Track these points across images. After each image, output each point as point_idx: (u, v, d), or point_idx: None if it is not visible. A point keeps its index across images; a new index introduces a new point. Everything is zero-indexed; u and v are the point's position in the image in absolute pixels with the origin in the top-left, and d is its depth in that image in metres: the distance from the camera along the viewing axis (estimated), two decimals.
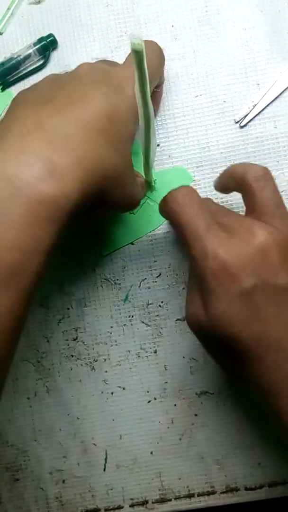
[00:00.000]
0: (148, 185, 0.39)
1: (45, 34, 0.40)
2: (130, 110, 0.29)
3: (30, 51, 0.39)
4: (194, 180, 0.39)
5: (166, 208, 0.30)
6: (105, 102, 0.28)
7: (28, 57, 0.40)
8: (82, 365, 0.40)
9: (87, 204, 0.28)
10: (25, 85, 0.40)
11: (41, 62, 0.40)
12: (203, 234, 0.28)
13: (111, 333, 0.40)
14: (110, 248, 0.39)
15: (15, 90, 0.40)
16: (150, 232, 0.39)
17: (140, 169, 0.37)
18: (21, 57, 0.39)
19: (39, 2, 0.40)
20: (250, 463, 0.40)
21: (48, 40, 0.39)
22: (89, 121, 0.27)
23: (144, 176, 0.37)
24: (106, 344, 0.40)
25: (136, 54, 0.24)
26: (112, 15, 0.40)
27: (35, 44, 0.40)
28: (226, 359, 0.30)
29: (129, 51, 0.40)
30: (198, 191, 0.39)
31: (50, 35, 0.40)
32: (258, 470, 0.40)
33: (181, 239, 0.30)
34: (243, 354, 0.28)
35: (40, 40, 0.40)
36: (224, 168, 0.39)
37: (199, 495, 0.40)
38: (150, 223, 0.40)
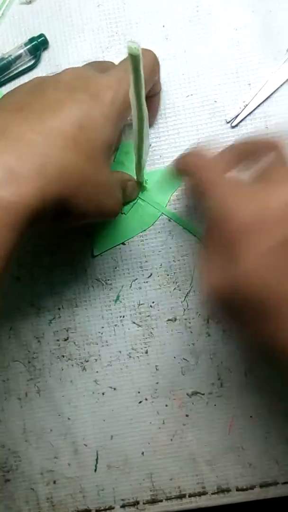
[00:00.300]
0: (140, 186, 0.39)
1: (36, 34, 0.40)
2: (107, 117, 0.29)
3: (21, 51, 0.39)
4: (180, 183, 0.39)
5: (187, 162, 0.31)
6: (77, 109, 0.28)
7: (19, 57, 0.40)
8: (73, 365, 0.40)
9: (50, 212, 0.28)
10: (16, 85, 0.40)
11: (32, 62, 0.40)
12: (229, 186, 0.28)
13: (102, 333, 0.40)
14: (101, 248, 0.39)
15: (5, 90, 0.40)
16: (142, 232, 0.39)
17: (131, 169, 0.37)
18: (12, 57, 0.39)
19: (30, 2, 0.40)
20: (241, 463, 0.39)
21: (39, 40, 0.39)
22: (57, 129, 0.27)
23: (135, 177, 0.37)
24: (97, 344, 0.40)
25: (133, 59, 0.24)
26: (103, 15, 0.40)
27: (26, 44, 0.39)
28: (256, 323, 0.27)
29: (120, 51, 0.40)
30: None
31: (41, 35, 0.40)
32: (249, 471, 0.39)
33: (200, 196, 0.29)
34: (276, 314, 0.26)
35: (31, 40, 0.39)
36: None
37: (190, 495, 0.40)
38: (142, 223, 0.39)
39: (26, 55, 0.39)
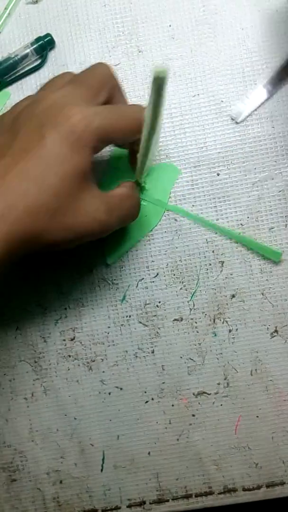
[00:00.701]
0: (139, 186, 0.39)
1: (42, 34, 0.40)
2: (76, 149, 0.30)
3: (28, 50, 0.39)
4: (181, 173, 0.39)
5: None
6: (43, 148, 0.29)
7: (25, 56, 0.39)
8: (79, 365, 0.40)
9: (25, 249, 0.30)
10: (22, 84, 0.40)
11: (39, 62, 0.40)
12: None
13: (108, 333, 0.40)
14: (114, 256, 0.39)
15: (12, 90, 0.40)
16: (148, 232, 0.39)
17: (127, 173, 0.38)
18: (19, 56, 0.39)
19: (36, 2, 0.40)
20: (248, 463, 0.39)
21: (45, 40, 0.39)
22: (23, 171, 0.29)
23: (135, 178, 0.37)
24: (104, 344, 0.40)
25: (158, 81, 0.25)
26: (109, 15, 0.40)
27: (32, 44, 0.39)
28: None
29: (126, 51, 0.40)
30: (196, 191, 0.39)
31: (48, 34, 0.40)
32: (256, 471, 0.39)
33: None
34: None
35: (38, 39, 0.39)
36: (222, 167, 0.39)
37: (196, 495, 0.40)
38: (148, 223, 0.39)
39: (32, 55, 0.39)
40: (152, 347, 0.40)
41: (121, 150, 0.39)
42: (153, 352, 0.40)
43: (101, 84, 0.32)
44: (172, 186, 0.39)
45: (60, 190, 0.30)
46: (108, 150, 0.40)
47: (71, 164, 0.30)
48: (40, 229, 0.30)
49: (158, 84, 0.25)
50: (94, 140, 0.30)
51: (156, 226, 0.39)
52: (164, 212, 0.39)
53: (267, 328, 0.39)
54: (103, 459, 0.40)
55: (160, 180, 0.39)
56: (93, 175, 0.32)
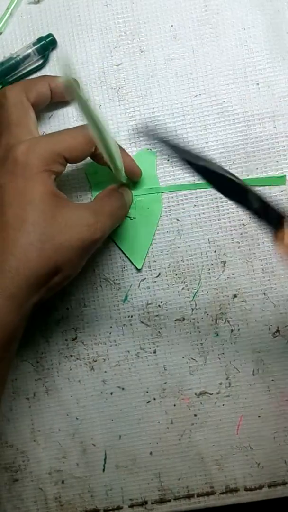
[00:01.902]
0: (127, 185, 0.39)
1: (44, 34, 0.40)
2: (26, 178, 0.31)
3: (30, 51, 0.39)
4: (155, 153, 0.40)
5: None
6: None
7: (27, 56, 0.39)
8: (81, 365, 0.40)
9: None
10: None
11: (41, 62, 0.40)
12: None
13: (110, 333, 0.40)
14: (140, 259, 0.39)
15: None
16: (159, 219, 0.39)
17: (111, 182, 0.38)
18: (21, 57, 0.39)
19: (38, 2, 0.40)
20: (250, 463, 0.39)
21: (47, 40, 0.39)
22: None
23: (119, 180, 0.38)
24: (105, 344, 0.40)
25: (69, 88, 0.25)
26: (111, 15, 0.40)
27: (34, 44, 0.39)
28: None
29: (128, 51, 0.40)
30: (198, 191, 0.39)
31: (50, 35, 0.40)
32: (258, 471, 0.39)
33: None
34: None
35: (40, 39, 0.39)
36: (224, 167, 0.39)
37: (198, 495, 0.40)
38: (153, 212, 0.39)
39: (34, 55, 0.39)
40: (154, 347, 0.40)
41: (93, 165, 0.39)
42: (155, 352, 0.40)
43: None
44: (155, 169, 0.40)
45: (35, 219, 0.31)
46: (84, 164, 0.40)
47: (33, 192, 0.31)
48: (41, 265, 0.31)
49: (72, 93, 0.26)
50: (42, 164, 0.32)
51: (161, 212, 0.39)
52: (162, 195, 0.39)
53: (269, 328, 0.39)
54: (105, 459, 0.40)
55: (144, 169, 0.39)
56: (61, 194, 0.33)
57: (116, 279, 0.40)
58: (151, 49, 0.40)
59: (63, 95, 0.38)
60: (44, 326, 0.40)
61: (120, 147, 0.35)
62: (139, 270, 0.39)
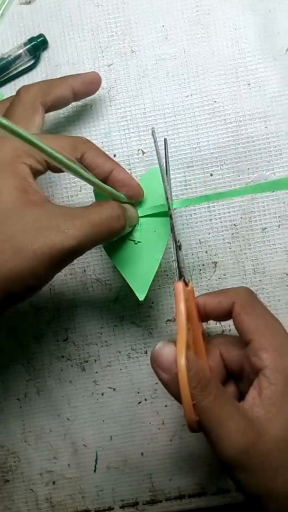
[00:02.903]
0: (130, 204, 0.35)
1: (35, 34, 0.40)
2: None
3: (21, 51, 0.39)
4: (158, 170, 0.36)
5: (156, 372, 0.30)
6: None
7: (18, 57, 0.40)
8: (72, 365, 0.40)
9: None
10: (15, 85, 0.40)
11: (32, 62, 0.40)
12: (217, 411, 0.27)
13: (101, 333, 0.40)
14: (143, 289, 0.34)
15: (5, 90, 0.40)
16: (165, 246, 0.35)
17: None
18: (12, 57, 0.39)
19: (29, 2, 0.40)
20: None
21: (38, 40, 0.39)
22: None
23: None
24: (97, 344, 0.40)
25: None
26: (102, 15, 0.40)
27: (25, 44, 0.39)
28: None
29: (119, 51, 0.40)
30: (189, 191, 0.39)
31: (41, 35, 0.40)
32: None
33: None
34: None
35: (31, 40, 0.39)
36: (215, 168, 0.39)
37: (189, 496, 0.40)
38: (161, 236, 0.35)
39: (25, 55, 0.39)
40: (145, 347, 0.40)
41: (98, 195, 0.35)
42: (146, 352, 0.40)
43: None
44: (161, 185, 0.35)
45: (0, 214, 0.28)
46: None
47: (1, 185, 0.28)
48: (3, 266, 0.27)
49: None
50: (15, 155, 0.29)
51: (168, 237, 0.35)
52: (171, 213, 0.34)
53: None
54: (96, 460, 0.40)
55: (151, 188, 0.35)
56: (37, 192, 0.30)
57: (107, 280, 0.40)
58: (142, 50, 0.40)
59: (85, 94, 0.37)
60: (35, 326, 0.40)
61: (115, 163, 0.33)
62: (141, 302, 0.36)
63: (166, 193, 0.32)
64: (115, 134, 0.40)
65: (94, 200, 0.35)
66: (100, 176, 0.32)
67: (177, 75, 0.40)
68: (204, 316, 0.32)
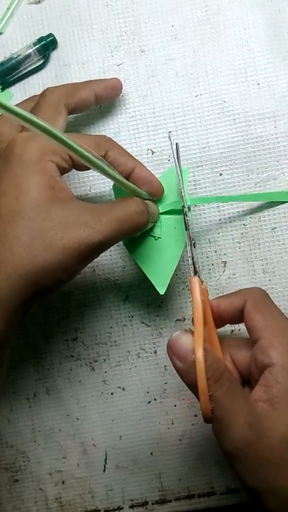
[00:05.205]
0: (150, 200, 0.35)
1: (44, 34, 0.40)
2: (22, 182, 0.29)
3: (30, 50, 0.39)
4: (189, 172, 0.39)
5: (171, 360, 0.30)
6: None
7: (28, 56, 0.40)
8: (81, 365, 0.40)
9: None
10: (24, 85, 0.40)
11: (41, 62, 0.40)
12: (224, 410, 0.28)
13: (110, 333, 0.40)
14: (163, 283, 0.35)
15: (14, 90, 0.40)
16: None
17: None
18: (21, 56, 0.39)
19: (39, 2, 0.40)
20: None
21: (48, 40, 0.39)
22: None
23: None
24: (106, 344, 0.40)
25: None
26: (111, 15, 0.40)
27: (35, 44, 0.39)
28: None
29: (128, 51, 0.40)
30: (199, 191, 0.39)
31: (50, 34, 0.40)
32: None
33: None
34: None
35: (40, 40, 0.39)
36: (224, 168, 0.39)
37: (199, 496, 0.40)
38: (181, 232, 0.36)
39: (35, 55, 0.40)
40: (154, 347, 0.40)
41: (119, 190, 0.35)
42: (155, 352, 0.40)
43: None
44: (186, 185, 0.36)
45: (26, 212, 0.28)
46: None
47: (29, 182, 0.29)
48: (27, 263, 0.28)
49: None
50: (41, 152, 0.29)
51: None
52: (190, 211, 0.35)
53: None
54: (105, 460, 0.40)
55: (171, 186, 0.36)
56: (64, 189, 0.30)
57: (117, 279, 0.40)
58: (151, 49, 0.40)
59: (107, 99, 0.37)
60: (44, 326, 0.40)
61: (136, 161, 0.33)
62: (162, 295, 0.36)
63: (181, 193, 0.33)
64: (124, 134, 0.40)
65: (109, 199, 0.37)
66: (123, 173, 0.33)
67: (187, 74, 0.40)
68: (218, 319, 0.33)
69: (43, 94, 0.34)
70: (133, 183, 0.33)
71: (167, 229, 0.36)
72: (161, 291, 0.35)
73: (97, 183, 0.40)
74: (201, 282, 0.31)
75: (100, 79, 0.38)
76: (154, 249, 0.36)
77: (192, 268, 0.31)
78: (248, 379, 0.32)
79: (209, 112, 0.39)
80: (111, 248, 0.39)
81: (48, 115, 0.32)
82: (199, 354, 0.27)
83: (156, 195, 0.35)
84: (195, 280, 0.30)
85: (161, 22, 0.40)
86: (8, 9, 0.40)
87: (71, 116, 0.40)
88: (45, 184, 0.29)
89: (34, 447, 0.40)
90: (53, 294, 0.30)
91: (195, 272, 0.31)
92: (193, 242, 0.33)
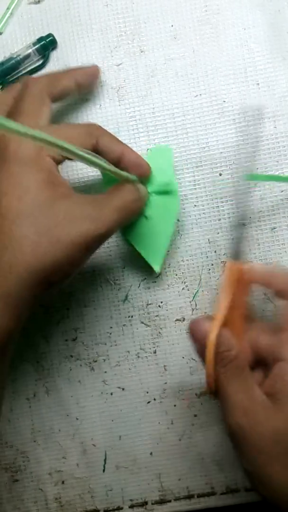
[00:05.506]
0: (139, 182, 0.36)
1: (44, 34, 0.40)
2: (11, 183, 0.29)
3: (30, 50, 0.39)
4: (172, 149, 0.38)
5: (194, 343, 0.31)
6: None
7: (27, 56, 0.39)
8: (81, 365, 0.40)
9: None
10: None
11: (41, 62, 0.40)
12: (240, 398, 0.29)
13: (110, 333, 0.40)
14: (158, 261, 0.37)
15: None
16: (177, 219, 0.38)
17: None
18: (21, 56, 0.39)
19: (38, 2, 0.40)
20: None
21: (47, 40, 0.39)
22: None
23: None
24: (106, 344, 0.40)
25: None
26: (111, 15, 0.40)
27: (34, 44, 0.39)
28: None
29: (128, 51, 0.40)
30: (198, 191, 0.39)
31: (50, 34, 0.40)
32: None
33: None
34: None
35: (40, 39, 0.39)
36: (224, 167, 0.39)
37: (199, 496, 0.40)
38: (170, 211, 0.37)
39: (34, 55, 0.40)
40: (154, 347, 0.40)
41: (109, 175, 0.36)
42: (155, 352, 0.40)
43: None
44: (172, 164, 0.38)
45: (30, 211, 0.29)
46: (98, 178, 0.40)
47: (29, 180, 0.29)
48: (36, 261, 0.29)
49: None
50: (37, 148, 0.30)
51: (178, 210, 0.38)
52: (178, 192, 0.37)
53: None
54: (105, 460, 0.40)
55: (158, 165, 0.37)
56: (63, 183, 0.31)
57: (117, 279, 0.40)
58: (151, 49, 0.40)
59: (88, 86, 0.38)
60: (44, 326, 0.40)
61: (124, 145, 0.34)
62: (158, 274, 0.37)
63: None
64: (124, 134, 0.40)
65: (97, 182, 0.38)
66: (114, 159, 0.33)
67: (186, 75, 0.40)
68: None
69: (25, 85, 0.34)
70: (124, 167, 0.33)
71: (157, 208, 0.37)
72: (157, 269, 0.37)
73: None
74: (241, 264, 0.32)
75: (79, 67, 0.38)
76: (146, 228, 0.37)
77: (235, 251, 0.32)
78: (266, 364, 0.33)
79: (208, 112, 0.39)
80: (111, 248, 0.39)
81: (33, 106, 0.33)
82: (211, 338, 0.29)
83: (145, 176, 0.36)
84: (230, 265, 0.31)
85: (161, 22, 0.40)
86: (8, 9, 0.40)
87: (70, 115, 0.40)
88: (45, 180, 0.29)
89: (34, 447, 0.40)
90: (58, 288, 0.31)
91: (237, 256, 0.32)
92: (243, 222, 0.33)
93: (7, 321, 0.29)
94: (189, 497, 0.40)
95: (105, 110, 0.40)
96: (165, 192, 0.37)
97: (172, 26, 0.40)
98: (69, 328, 0.40)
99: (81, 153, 0.28)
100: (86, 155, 0.28)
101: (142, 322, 0.40)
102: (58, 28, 0.40)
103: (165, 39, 0.40)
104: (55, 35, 0.40)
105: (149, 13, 0.40)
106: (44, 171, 0.30)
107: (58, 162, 0.31)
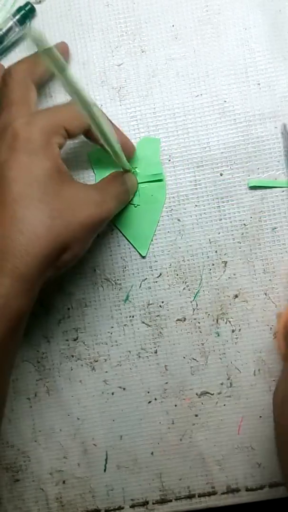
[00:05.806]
0: (130, 172, 0.39)
1: (44, 34, 0.39)
2: (33, 162, 0.31)
3: (11, 23, 0.39)
4: (159, 139, 0.39)
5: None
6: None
7: (10, 29, 0.39)
8: (82, 365, 0.40)
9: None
10: (10, 57, 0.40)
11: (22, 32, 0.40)
12: None
13: (111, 333, 0.40)
14: (144, 246, 0.40)
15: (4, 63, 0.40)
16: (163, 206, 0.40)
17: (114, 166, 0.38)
18: (3, 30, 0.39)
19: (39, 2, 0.40)
20: (251, 463, 0.39)
21: (26, 9, 0.39)
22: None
23: (122, 168, 0.38)
24: (107, 344, 0.40)
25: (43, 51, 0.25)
26: (112, 15, 0.40)
27: (14, 15, 0.39)
28: None
29: (129, 51, 0.40)
30: (199, 191, 0.39)
31: (28, 3, 0.39)
32: (259, 471, 0.39)
33: None
34: None
35: (19, 9, 0.39)
36: (225, 168, 0.39)
37: (199, 495, 0.40)
38: (157, 199, 0.39)
39: (16, 26, 0.39)
40: (155, 347, 0.40)
41: (97, 152, 0.39)
42: (156, 352, 0.40)
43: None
44: (159, 155, 0.40)
45: (42, 196, 0.30)
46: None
47: (38, 168, 0.31)
48: (50, 243, 0.30)
49: (51, 65, 0.26)
50: (45, 137, 0.31)
51: (165, 199, 0.39)
52: (166, 185, 0.39)
53: (270, 328, 0.39)
54: (106, 459, 0.40)
55: (146, 157, 0.39)
56: (66, 170, 0.33)
57: (117, 279, 0.40)
58: (152, 49, 0.40)
59: None
60: (45, 326, 0.40)
61: (111, 123, 0.35)
62: (143, 257, 0.39)
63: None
64: (125, 134, 0.40)
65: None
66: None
67: (187, 74, 0.40)
68: None
69: (8, 72, 0.34)
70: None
71: (145, 197, 0.39)
72: (143, 252, 0.39)
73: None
74: None
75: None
76: (134, 216, 0.40)
77: None
78: None
79: (209, 112, 0.40)
80: (111, 248, 0.40)
81: (21, 93, 0.33)
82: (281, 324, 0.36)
83: (129, 156, 0.38)
84: None
85: (162, 22, 0.40)
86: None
87: None
88: (53, 168, 0.31)
89: (34, 447, 0.40)
90: (66, 268, 0.33)
91: None
92: None
93: (23, 302, 0.30)
94: (190, 496, 0.40)
95: (106, 110, 0.40)
96: (153, 181, 0.39)
97: (173, 26, 0.40)
98: (70, 328, 0.40)
99: (106, 129, 0.31)
100: (108, 134, 0.31)
101: (143, 322, 0.40)
102: (59, 28, 0.40)
103: (166, 39, 0.40)
104: (56, 35, 0.40)
105: (150, 13, 0.40)
106: (51, 159, 0.31)
107: (61, 147, 0.33)
